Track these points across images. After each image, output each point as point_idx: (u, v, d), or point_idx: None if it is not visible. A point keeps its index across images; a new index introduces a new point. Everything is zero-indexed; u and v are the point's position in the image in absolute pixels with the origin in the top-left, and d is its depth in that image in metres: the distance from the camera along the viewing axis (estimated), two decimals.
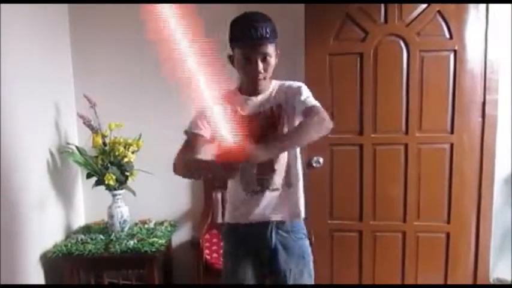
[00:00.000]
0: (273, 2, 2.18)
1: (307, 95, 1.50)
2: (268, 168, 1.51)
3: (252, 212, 1.54)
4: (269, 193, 1.54)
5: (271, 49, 1.46)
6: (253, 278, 1.58)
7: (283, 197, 1.56)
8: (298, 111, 1.49)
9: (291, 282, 1.57)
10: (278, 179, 1.54)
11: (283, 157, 1.54)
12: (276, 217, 1.55)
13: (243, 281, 1.57)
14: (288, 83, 1.57)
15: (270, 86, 1.56)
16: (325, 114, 1.42)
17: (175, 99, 2.92)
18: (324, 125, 1.40)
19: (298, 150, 1.58)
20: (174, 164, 1.51)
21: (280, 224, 1.57)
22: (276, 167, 1.53)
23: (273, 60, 1.48)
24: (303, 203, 1.60)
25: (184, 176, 1.52)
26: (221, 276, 2.28)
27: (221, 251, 1.72)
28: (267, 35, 1.42)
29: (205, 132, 1.51)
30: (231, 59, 1.52)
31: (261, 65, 1.45)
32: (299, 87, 1.53)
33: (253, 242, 1.57)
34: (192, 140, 1.54)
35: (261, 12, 1.48)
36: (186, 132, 1.57)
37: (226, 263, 1.65)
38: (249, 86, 1.53)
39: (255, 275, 1.58)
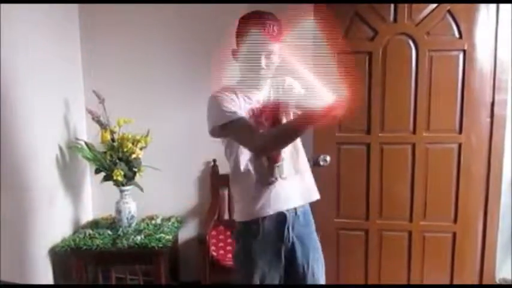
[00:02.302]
0: (283, 2, 2.18)
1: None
2: (276, 156, 1.56)
3: (269, 204, 1.55)
4: (282, 181, 1.57)
5: (276, 48, 1.50)
6: (273, 273, 1.59)
7: (296, 183, 1.60)
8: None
9: (309, 275, 1.61)
10: (287, 166, 1.58)
11: (288, 148, 1.57)
12: (293, 204, 1.59)
13: (262, 277, 1.58)
14: (282, 77, 1.64)
15: (267, 81, 1.61)
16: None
17: (183, 96, 2.96)
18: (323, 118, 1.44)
19: (300, 138, 1.62)
20: (264, 147, 1.48)
21: (296, 218, 1.60)
22: (284, 155, 1.57)
23: (276, 59, 1.52)
24: (315, 187, 1.66)
25: (281, 147, 1.53)
26: (227, 273, 2.31)
27: (234, 250, 1.71)
28: (273, 33, 1.46)
29: (242, 112, 1.52)
30: (234, 53, 1.56)
31: (264, 62, 1.49)
32: (291, 81, 1.62)
33: (272, 237, 1.58)
34: (243, 122, 1.50)
35: (271, 12, 1.51)
36: (231, 122, 1.50)
37: (243, 261, 1.62)
38: (250, 82, 1.57)
39: (274, 270, 1.59)
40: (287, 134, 1.49)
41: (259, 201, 1.55)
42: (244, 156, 1.56)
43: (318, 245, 1.68)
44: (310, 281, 1.63)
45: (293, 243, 1.60)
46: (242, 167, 1.56)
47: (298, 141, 1.62)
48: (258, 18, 1.47)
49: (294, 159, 1.60)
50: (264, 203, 1.55)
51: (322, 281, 1.68)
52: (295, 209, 1.60)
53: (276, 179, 1.56)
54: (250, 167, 1.56)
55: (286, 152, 1.57)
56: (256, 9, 1.53)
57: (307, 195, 1.64)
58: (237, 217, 1.66)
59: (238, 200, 1.65)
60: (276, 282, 1.60)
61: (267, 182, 1.55)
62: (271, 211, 1.55)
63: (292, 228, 1.59)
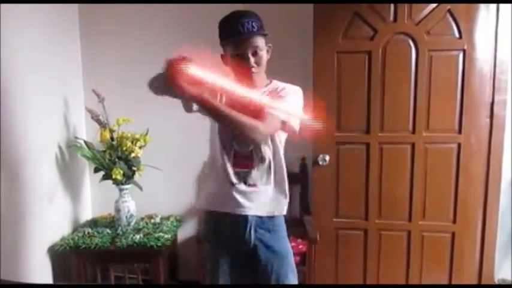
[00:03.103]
0: (283, 2, 2.18)
1: (287, 101, 1.49)
2: (246, 163, 1.54)
3: (229, 203, 1.54)
4: (246, 188, 1.54)
5: (261, 42, 1.49)
6: (234, 276, 1.59)
7: (261, 194, 1.56)
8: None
9: (272, 280, 1.57)
10: (256, 175, 1.54)
11: (264, 156, 1.54)
12: (250, 212, 1.55)
13: (221, 278, 1.58)
14: (285, 86, 1.57)
15: (265, 83, 1.58)
16: (264, 126, 1.41)
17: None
18: (250, 133, 1.39)
19: (281, 150, 1.59)
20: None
21: (260, 222, 1.56)
22: (255, 164, 1.54)
23: (264, 54, 1.51)
24: (283, 202, 1.60)
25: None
26: None
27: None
28: (254, 29, 1.46)
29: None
30: (223, 58, 1.55)
31: (252, 59, 1.48)
32: (286, 89, 1.55)
33: (232, 237, 1.57)
34: None
35: (248, 10, 1.52)
36: None
37: (208, 255, 1.66)
38: (243, 82, 1.51)
39: (234, 273, 1.59)
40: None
41: (221, 196, 1.56)
42: (219, 153, 1.57)
43: (290, 253, 1.62)
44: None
45: (255, 247, 1.56)
46: (213, 156, 1.61)
47: (279, 150, 1.58)
48: (234, 19, 1.48)
49: (266, 170, 1.56)
50: (226, 200, 1.55)
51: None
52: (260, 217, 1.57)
53: (239, 183, 1.54)
54: (220, 164, 1.56)
55: (259, 162, 1.54)
56: (233, 10, 1.53)
57: (268, 209, 1.57)
58: (201, 203, 1.66)
59: (205, 185, 1.66)
60: (232, 281, 1.60)
61: (231, 182, 1.54)
62: (230, 211, 1.55)
63: (255, 231, 1.56)
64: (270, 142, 1.55)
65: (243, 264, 1.59)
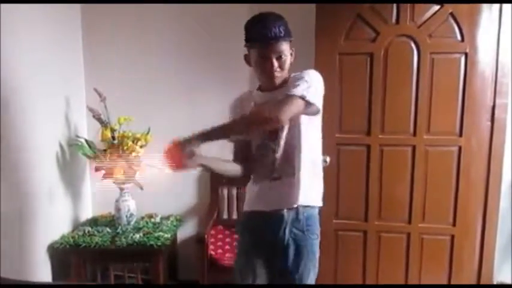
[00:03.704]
0: (284, 2, 2.18)
1: (303, 80, 1.48)
2: (269, 157, 1.57)
3: (257, 202, 1.60)
4: (269, 182, 1.58)
5: (285, 47, 1.51)
6: (263, 270, 1.62)
7: (286, 186, 1.57)
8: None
9: (296, 280, 1.60)
10: (279, 168, 1.57)
11: (283, 147, 1.56)
12: (278, 206, 1.57)
13: (251, 271, 1.61)
14: (298, 73, 1.57)
15: (285, 80, 1.59)
16: (279, 107, 1.42)
17: (184, 95, 2.96)
18: (259, 118, 1.46)
19: (309, 138, 1.58)
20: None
21: (295, 221, 1.58)
22: (277, 155, 1.56)
23: (288, 59, 1.53)
24: (310, 194, 1.60)
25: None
26: (226, 273, 2.32)
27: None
28: (281, 34, 1.47)
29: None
30: (247, 59, 1.57)
31: (276, 64, 1.50)
32: (302, 73, 1.53)
33: (266, 235, 1.59)
34: None
35: (275, 13, 1.52)
36: None
37: (239, 253, 1.72)
38: (266, 83, 1.58)
39: (264, 269, 1.62)
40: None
41: (250, 196, 1.65)
42: (249, 154, 1.63)
43: (317, 254, 1.63)
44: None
45: (287, 245, 1.58)
46: (246, 164, 1.66)
47: (305, 141, 1.56)
48: (261, 22, 1.48)
49: (289, 161, 1.56)
50: (255, 200, 1.62)
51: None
52: (297, 212, 1.57)
53: (266, 177, 1.58)
54: (251, 165, 1.63)
55: (284, 153, 1.56)
56: (260, 12, 1.53)
57: (303, 199, 1.58)
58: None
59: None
60: (264, 280, 1.62)
61: (257, 181, 1.61)
62: (259, 208, 1.60)
63: (290, 231, 1.58)
64: (293, 131, 1.54)
65: (272, 262, 1.61)
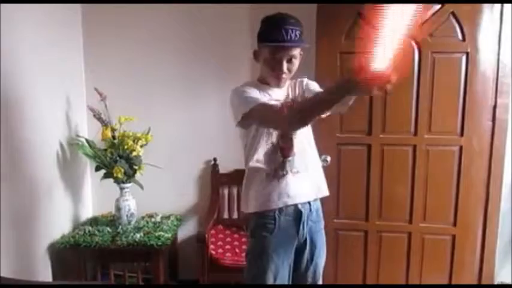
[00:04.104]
0: (285, 2, 2.18)
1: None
2: (289, 151, 1.59)
3: (280, 196, 1.58)
4: (292, 176, 1.59)
5: (297, 51, 1.54)
6: (286, 267, 1.62)
7: (307, 178, 1.62)
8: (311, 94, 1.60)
9: (311, 270, 1.68)
10: (298, 161, 1.60)
11: (300, 141, 1.60)
12: (303, 198, 1.61)
13: (276, 272, 1.60)
14: (300, 78, 1.68)
15: (287, 82, 1.64)
16: None
17: (185, 95, 2.95)
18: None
19: (312, 136, 1.68)
20: (290, 119, 1.43)
21: (310, 214, 1.63)
22: (296, 150, 1.59)
23: (297, 62, 1.56)
24: (325, 183, 1.72)
25: (310, 117, 1.43)
26: (226, 272, 2.31)
27: (248, 245, 1.70)
28: (296, 38, 1.49)
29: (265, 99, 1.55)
30: (255, 54, 1.59)
31: (285, 65, 1.52)
32: (309, 80, 1.70)
33: (288, 233, 1.61)
34: (267, 104, 1.51)
35: (293, 16, 1.52)
36: (256, 106, 1.49)
37: (259, 256, 1.61)
38: (271, 81, 1.60)
39: (286, 264, 1.63)
40: (316, 103, 1.42)
41: (270, 193, 1.58)
42: (261, 149, 1.59)
43: (324, 241, 1.74)
44: (311, 275, 1.69)
45: (305, 239, 1.64)
46: (256, 160, 1.59)
47: (311, 138, 1.68)
48: (280, 23, 1.48)
49: (305, 155, 1.63)
50: (274, 195, 1.58)
51: (320, 275, 1.74)
52: (309, 204, 1.64)
53: (287, 172, 1.58)
54: (264, 160, 1.59)
55: (299, 147, 1.60)
56: (278, 12, 1.54)
57: (318, 191, 1.67)
58: (249, 208, 1.65)
59: (249, 191, 1.64)
60: (286, 276, 1.63)
61: (278, 176, 1.58)
62: (281, 204, 1.58)
63: (306, 223, 1.63)
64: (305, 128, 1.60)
65: (290, 258, 1.64)
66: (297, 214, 1.61)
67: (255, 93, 1.54)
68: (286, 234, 1.61)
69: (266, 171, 1.59)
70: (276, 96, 1.60)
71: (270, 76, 1.58)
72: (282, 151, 1.58)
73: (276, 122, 1.48)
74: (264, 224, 1.60)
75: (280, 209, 1.59)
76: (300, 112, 1.45)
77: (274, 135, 1.59)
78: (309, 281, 1.70)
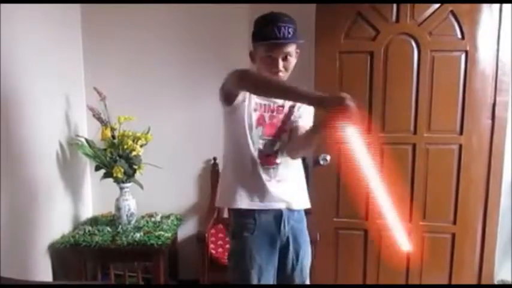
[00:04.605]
0: (284, 2, 2.18)
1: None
2: (271, 160, 1.59)
3: (264, 199, 1.59)
4: (275, 183, 1.60)
5: (293, 49, 1.52)
6: (270, 268, 1.61)
7: (287, 189, 1.62)
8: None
9: (297, 270, 1.65)
10: (282, 170, 1.61)
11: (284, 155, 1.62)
12: (281, 206, 1.61)
13: (260, 273, 1.59)
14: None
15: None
16: None
17: (184, 94, 2.95)
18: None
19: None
20: (244, 77, 1.43)
21: (291, 214, 1.63)
22: (279, 160, 1.60)
23: (293, 60, 1.55)
24: (307, 195, 1.70)
25: (258, 92, 1.49)
26: (226, 272, 2.30)
27: (230, 247, 1.70)
28: (289, 35, 1.48)
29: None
30: (251, 55, 1.59)
31: (281, 64, 1.51)
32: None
33: (269, 233, 1.60)
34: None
35: (286, 14, 1.52)
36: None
37: (241, 257, 1.60)
38: None
39: (271, 265, 1.62)
40: (269, 86, 1.42)
41: (253, 195, 1.58)
42: (248, 152, 1.58)
43: (308, 239, 1.72)
44: (298, 275, 1.67)
45: (287, 238, 1.63)
46: (242, 158, 1.58)
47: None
48: (272, 21, 1.48)
49: (288, 166, 1.63)
50: (257, 198, 1.59)
51: (307, 275, 1.72)
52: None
53: (270, 180, 1.59)
54: (249, 161, 1.58)
55: (282, 157, 1.61)
56: (271, 11, 1.53)
57: (296, 202, 1.65)
58: (221, 203, 1.71)
59: (226, 185, 1.64)
60: (271, 276, 1.62)
61: (263, 179, 1.58)
62: (260, 207, 1.58)
63: (287, 222, 1.62)
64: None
65: (274, 259, 1.63)
66: (277, 212, 1.60)
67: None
68: (267, 233, 1.60)
69: (249, 172, 1.58)
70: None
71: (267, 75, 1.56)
72: (266, 158, 1.59)
73: (235, 75, 1.44)
74: (245, 224, 1.59)
75: (258, 210, 1.59)
76: (258, 80, 1.45)
77: (261, 141, 1.58)
78: (296, 281, 1.68)
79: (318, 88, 2.34)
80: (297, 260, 1.66)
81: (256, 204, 1.58)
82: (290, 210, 1.63)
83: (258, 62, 1.55)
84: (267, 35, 1.47)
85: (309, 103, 1.37)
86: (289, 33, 1.47)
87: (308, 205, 1.70)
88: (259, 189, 1.58)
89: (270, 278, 1.61)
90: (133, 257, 2.42)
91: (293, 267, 1.66)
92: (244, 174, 1.59)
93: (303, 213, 1.71)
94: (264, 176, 1.58)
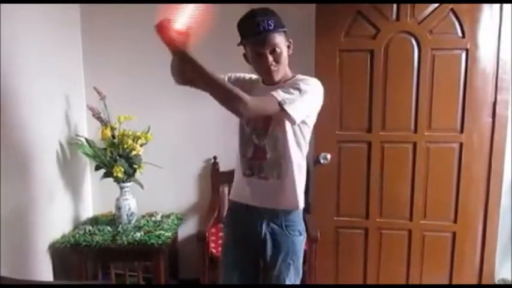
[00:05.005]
0: (285, 2, 2.18)
1: (295, 88, 1.48)
2: (260, 155, 1.59)
3: (243, 194, 1.65)
4: (257, 180, 1.60)
5: (279, 40, 1.50)
6: (246, 262, 1.67)
7: (272, 187, 1.60)
8: None
9: (274, 276, 1.63)
10: (268, 168, 1.59)
11: (277, 149, 1.57)
12: (262, 204, 1.61)
13: (234, 263, 1.68)
14: (304, 78, 1.57)
15: (287, 78, 1.58)
16: (253, 101, 1.40)
17: (184, 94, 2.94)
18: (233, 102, 1.38)
19: (294, 145, 1.58)
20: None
21: (273, 217, 1.61)
22: (268, 156, 1.58)
23: (283, 51, 1.52)
24: (297, 197, 1.61)
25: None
26: None
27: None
28: (270, 27, 1.47)
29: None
30: (245, 57, 1.59)
31: (270, 58, 1.50)
32: (304, 80, 1.55)
33: (246, 226, 1.64)
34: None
35: (264, 7, 1.52)
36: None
37: (223, 247, 1.76)
38: (266, 78, 1.59)
39: (246, 260, 1.67)
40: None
41: (239, 188, 1.68)
42: (240, 144, 1.66)
43: (299, 251, 1.66)
44: (274, 281, 1.65)
45: (265, 241, 1.62)
46: (237, 155, 1.68)
47: (289, 146, 1.57)
48: (250, 18, 1.49)
49: (278, 164, 1.58)
50: (241, 192, 1.66)
51: (289, 272, 1.66)
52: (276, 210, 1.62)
53: (252, 175, 1.61)
54: (240, 157, 1.66)
55: (272, 155, 1.57)
56: (251, 9, 1.53)
57: (279, 202, 1.61)
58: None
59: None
60: (250, 271, 1.68)
61: (244, 174, 1.64)
62: (244, 202, 1.64)
63: (267, 225, 1.62)
64: (281, 135, 1.55)
65: (252, 255, 1.66)
66: (260, 212, 1.62)
67: (241, 75, 1.67)
68: (245, 229, 1.65)
69: (239, 168, 1.67)
70: (266, 90, 1.55)
71: (262, 73, 1.58)
72: (255, 153, 1.60)
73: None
74: (229, 216, 1.76)
75: (242, 204, 1.66)
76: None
77: (254, 136, 1.60)
78: (274, 280, 1.65)
79: None
80: (275, 264, 1.62)
81: (236, 198, 1.69)
82: (272, 210, 1.60)
83: (251, 62, 1.56)
84: (248, 32, 1.49)
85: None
86: (269, 25, 1.46)
87: (293, 207, 1.62)
88: (240, 185, 1.66)
89: (248, 272, 1.68)
90: (134, 256, 2.42)
91: (270, 273, 1.64)
92: (236, 169, 1.72)
93: (295, 219, 1.64)
94: (247, 172, 1.63)
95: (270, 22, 1.46)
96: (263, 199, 1.61)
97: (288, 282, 1.64)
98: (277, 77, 1.54)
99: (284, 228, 1.62)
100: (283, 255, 1.63)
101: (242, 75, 1.70)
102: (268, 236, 1.62)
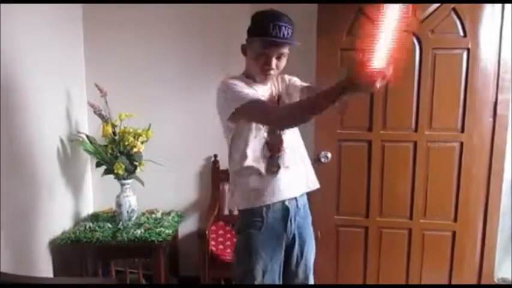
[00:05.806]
0: (285, 2, 2.17)
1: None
2: (278, 147, 1.60)
3: (273, 192, 1.59)
4: (284, 171, 1.60)
5: (287, 50, 1.54)
6: (275, 264, 1.63)
7: (298, 172, 1.65)
8: (296, 90, 1.68)
9: (302, 265, 1.69)
10: (288, 156, 1.61)
11: (289, 136, 1.63)
12: (296, 192, 1.64)
13: (265, 269, 1.61)
14: (281, 75, 1.71)
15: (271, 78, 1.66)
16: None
17: (185, 91, 2.95)
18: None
19: (299, 133, 1.71)
20: (282, 117, 1.47)
21: (297, 210, 1.65)
22: (285, 145, 1.61)
23: (285, 60, 1.56)
24: (315, 176, 1.74)
25: (298, 120, 1.47)
26: (226, 269, 2.31)
27: (236, 242, 1.70)
28: (288, 36, 1.49)
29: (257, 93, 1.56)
30: (243, 48, 1.59)
31: (274, 62, 1.52)
32: (289, 76, 1.73)
33: (276, 230, 1.62)
34: (260, 100, 1.52)
35: (286, 14, 1.52)
36: (249, 102, 1.48)
37: (246, 254, 1.61)
38: (257, 77, 1.60)
39: (275, 262, 1.63)
40: (306, 108, 1.42)
41: (262, 190, 1.58)
42: (251, 146, 1.58)
43: (313, 235, 1.76)
44: (302, 270, 1.70)
45: (293, 235, 1.65)
46: (245, 156, 1.57)
47: (298, 131, 1.71)
48: (272, 20, 1.47)
49: (295, 149, 1.65)
50: (267, 192, 1.58)
51: (311, 269, 1.75)
52: (296, 201, 1.65)
53: (279, 168, 1.59)
54: (254, 157, 1.58)
55: (288, 142, 1.62)
56: (271, 9, 1.53)
57: (309, 184, 1.70)
58: (239, 206, 1.65)
59: (239, 189, 1.64)
60: (277, 273, 1.64)
61: (271, 172, 1.58)
62: (274, 199, 1.59)
63: (294, 219, 1.64)
64: None
65: (282, 253, 1.66)
66: (284, 211, 1.62)
67: (246, 89, 1.53)
68: (274, 231, 1.61)
69: (256, 168, 1.57)
70: (261, 92, 1.59)
71: (257, 72, 1.57)
72: (272, 147, 1.59)
73: (267, 119, 1.51)
74: (252, 221, 1.60)
75: (268, 206, 1.59)
76: (291, 113, 1.46)
77: (263, 131, 1.59)
78: (301, 275, 1.71)
79: (319, 85, 2.33)
80: (302, 255, 1.69)
81: (263, 201, 1.59)
82: (297, 206, 1.65)
83: (250, 57, 1.56)
84: (267, 32, 1.47)
85: (338, 97, 1.35)
86: (288, 33, 1.48)
87: (317, 184, 1.73)
88: (267, 185, 1.59)
89: (275, 274, 1.63)
90: (134, 253, 2.43)
91: (297, 262, 1.69)
92: (252, 174, 1.63)
93: (308, 209, 1.74)
94: (272, 169, 1.59)
95: (289, 31, 1.48)
96: (299, 187, 1.66)
97: (311, 273, 1.74)
98: (269, 80, 1.63)
99: (304, 219, 1.71)
100: (307, 245, 1.71)
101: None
102: (296, 234, 1.66)
